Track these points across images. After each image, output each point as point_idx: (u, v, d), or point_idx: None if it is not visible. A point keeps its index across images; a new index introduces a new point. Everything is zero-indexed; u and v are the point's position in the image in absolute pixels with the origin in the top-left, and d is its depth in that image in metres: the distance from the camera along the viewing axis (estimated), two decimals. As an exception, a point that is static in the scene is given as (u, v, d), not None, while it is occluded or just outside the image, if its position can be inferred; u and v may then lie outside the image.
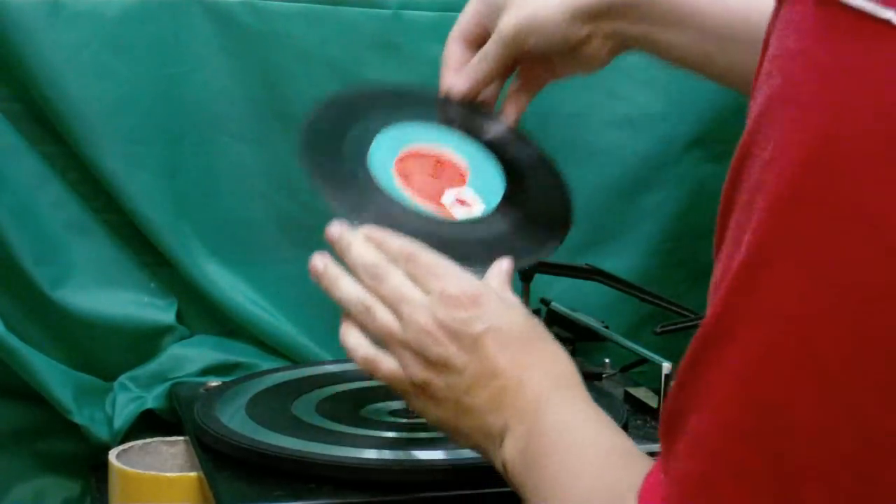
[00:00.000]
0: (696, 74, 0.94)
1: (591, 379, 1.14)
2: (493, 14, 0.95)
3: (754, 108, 0.56)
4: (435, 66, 1.20)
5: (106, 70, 1.13)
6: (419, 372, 0.77)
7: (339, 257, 0.81)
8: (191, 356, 1.18)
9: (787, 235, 0.53)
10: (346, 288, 0.81)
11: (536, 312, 1.20)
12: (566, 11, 0.92)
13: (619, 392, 1.09)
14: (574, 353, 1.17)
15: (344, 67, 1.18)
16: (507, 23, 0.93)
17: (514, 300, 0.81)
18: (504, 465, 0.75)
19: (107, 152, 1.14)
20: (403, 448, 0.92)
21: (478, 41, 0.97)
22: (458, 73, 0.97)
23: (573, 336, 1.17)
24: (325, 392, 1.07)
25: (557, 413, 0.74)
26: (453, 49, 0.98)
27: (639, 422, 1.02)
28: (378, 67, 1.18)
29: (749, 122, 0.56)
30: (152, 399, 1.15)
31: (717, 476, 0.56)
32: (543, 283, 1.23)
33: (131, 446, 1.07)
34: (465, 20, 0.98)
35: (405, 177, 0.90)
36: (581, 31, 0.93)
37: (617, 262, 1.26)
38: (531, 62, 0.97)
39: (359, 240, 0.81)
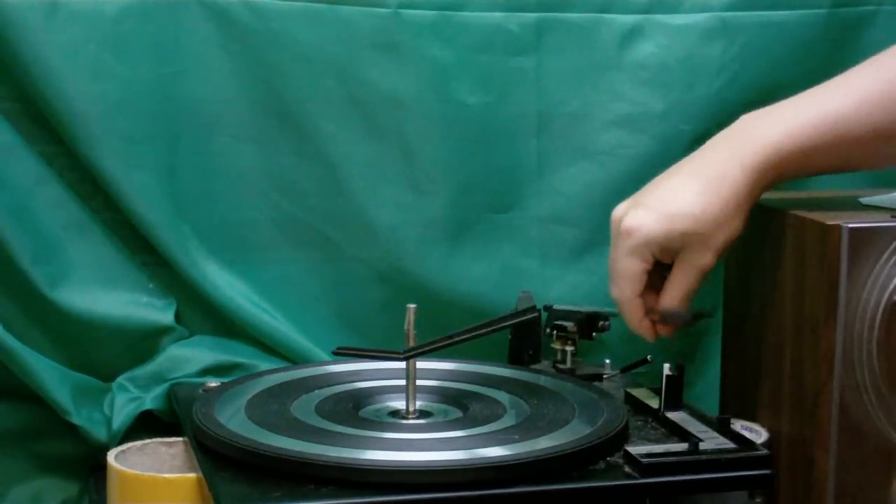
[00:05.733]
0: None
1: (591, 379, 1.13)
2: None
3: None
4: (435, 65, 1.20)
5: (104, 69, 1.13)
6: None
7: None
8: (189, 357, 1.18)
9: None
10: None
11: (538, 315, 1.20)
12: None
13: (619, 392, 1.09)
14: (575, 354, 1.17)
15: (344, 67, 1.17)
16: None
17: None
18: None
19: (105, 152, 1.14)
20: (403, 448, 0.92)
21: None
22: None
23: (577, 327, 1.16)
24: (324, 393, 1.07)
25: None
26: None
27: (639, 422, 1.02)
28: (378, 67, 1.18)
29: None
30: (151, 400, 1.15)
31: None
32: (545, 284, 1.23)
33: (130, 447, 1.07)
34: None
35: None
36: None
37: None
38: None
39: None
